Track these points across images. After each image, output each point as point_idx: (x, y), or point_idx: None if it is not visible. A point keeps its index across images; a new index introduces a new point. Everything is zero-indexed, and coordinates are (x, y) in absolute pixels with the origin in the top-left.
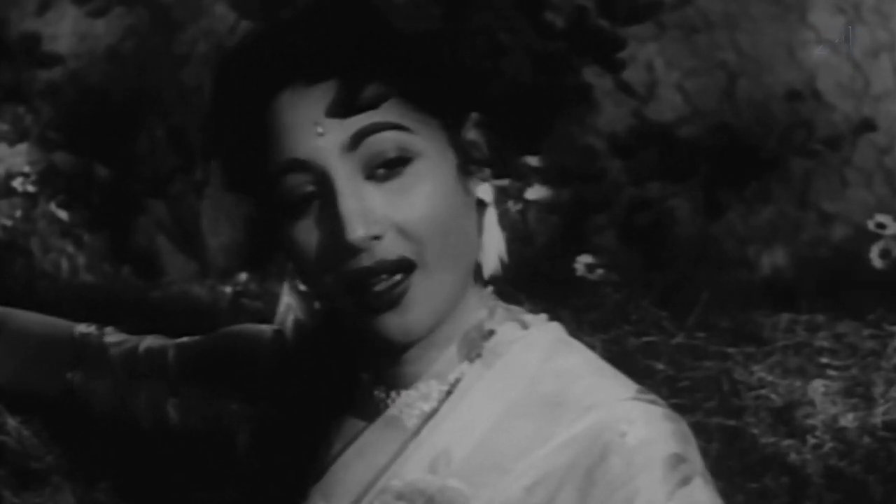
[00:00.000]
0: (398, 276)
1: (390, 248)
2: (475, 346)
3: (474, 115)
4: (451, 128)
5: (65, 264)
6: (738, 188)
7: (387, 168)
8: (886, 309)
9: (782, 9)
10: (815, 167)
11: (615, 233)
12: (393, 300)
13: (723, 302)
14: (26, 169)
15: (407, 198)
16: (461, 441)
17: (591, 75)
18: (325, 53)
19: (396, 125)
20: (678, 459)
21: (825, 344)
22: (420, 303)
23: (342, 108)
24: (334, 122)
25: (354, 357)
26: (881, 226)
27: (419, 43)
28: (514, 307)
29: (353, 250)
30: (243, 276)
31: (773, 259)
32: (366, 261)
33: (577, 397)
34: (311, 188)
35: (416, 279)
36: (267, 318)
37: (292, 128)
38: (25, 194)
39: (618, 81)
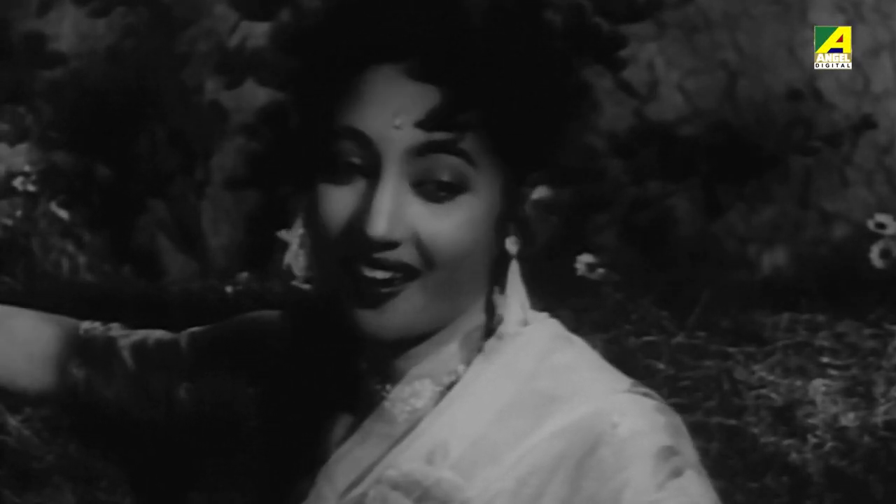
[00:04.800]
0: (395, 275)
1: (401, 256)
2: (476, 345)
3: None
4: (512, 179)
5: (65, 264)
6: (738, 187)
7: (437, 189)
8: (887, 308)
9: (783, 8)
10: (815, 166)
11: (616, 232)
12: (379, 297)
13: (723, 301)
14: (27, 168)
15: (440, 220)
16: (459, 435)
17: (592, 75)
18: (439, 56)
19: (467, 154)
20: (670, 452)
21: (826, 343)
22: (403, 310)
23: (432, 121)
24: (413, 122)
25: (355, 345)
26: (881, 225)
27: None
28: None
29: (368, 243)
30: (244, 276)
31: (774, 258)
32: (373, 253)
33: (570, 391)
34: (358, 161)
35: (412, 288)
36: None
37: (373, 104)
38: (26, 194)
39: (618, 81)
